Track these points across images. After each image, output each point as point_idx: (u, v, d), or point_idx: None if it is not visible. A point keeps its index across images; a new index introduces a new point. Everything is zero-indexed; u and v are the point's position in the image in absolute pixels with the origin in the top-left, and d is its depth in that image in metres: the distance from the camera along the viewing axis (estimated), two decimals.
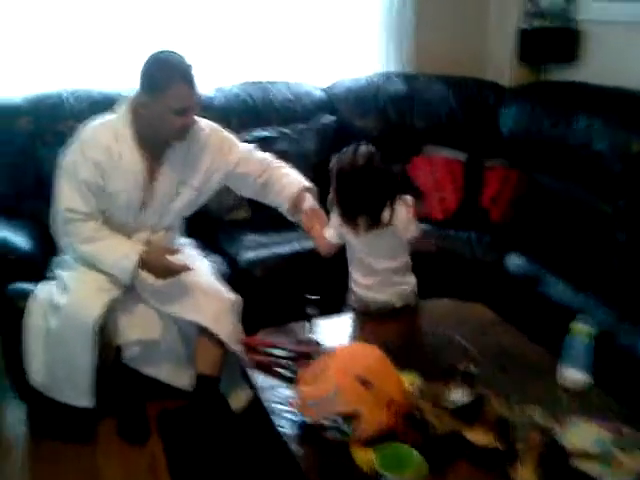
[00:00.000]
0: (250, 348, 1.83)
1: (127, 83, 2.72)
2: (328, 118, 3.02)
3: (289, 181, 2.24)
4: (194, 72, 1.98)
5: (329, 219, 2.06)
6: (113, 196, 2.04)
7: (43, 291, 2.09)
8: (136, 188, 2.06)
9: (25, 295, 2.10)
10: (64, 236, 2.09)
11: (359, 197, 1.92)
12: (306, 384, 1.49)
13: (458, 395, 1.47)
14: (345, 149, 1.99)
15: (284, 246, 2.59)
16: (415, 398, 1.47)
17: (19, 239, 2.29)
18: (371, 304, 2.03)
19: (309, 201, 2.16)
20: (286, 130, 2.88)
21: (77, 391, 2.01)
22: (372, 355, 1.51)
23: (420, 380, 1.57)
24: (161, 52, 1.98)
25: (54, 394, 2.04)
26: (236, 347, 2.04)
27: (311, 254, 2.23)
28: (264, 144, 2.75)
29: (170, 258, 2.03)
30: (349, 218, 1.95)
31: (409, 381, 1.54)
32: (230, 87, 2.99)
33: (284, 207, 2.22)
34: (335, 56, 3.30)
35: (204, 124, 2.17)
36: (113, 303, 2.03)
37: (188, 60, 1.99)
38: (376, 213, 1.91)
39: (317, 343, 1.81)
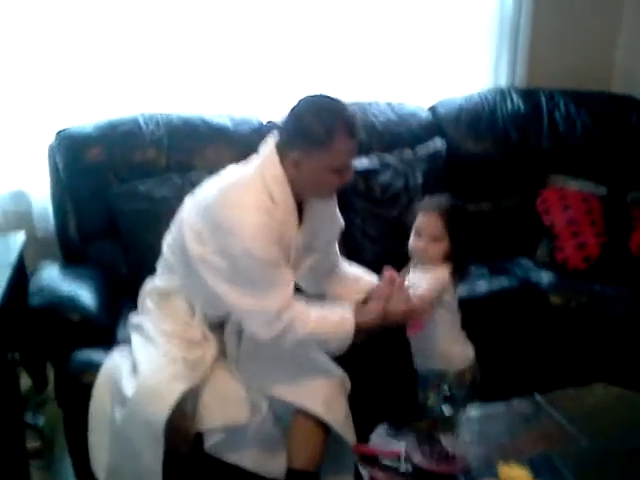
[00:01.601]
0: (366, 458, 1.40)
1: (208, 107, 2.49)
2: (438, 142, 2.56)
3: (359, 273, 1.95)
4: (356, 122, 1.61)
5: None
6: None
7: (111, 367, 1.75)
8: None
9: (92, 369, 1.75)
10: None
11: (472, 241, 1.78)
12: None
13: None
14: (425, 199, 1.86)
15: None
16: None
17: (84, 293, 1.95)
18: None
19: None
20: (390, 158, 2.45)
21: None
22: None
23: None
24: (316, 97, 1.62)
25: None
26: (350, 437, 1.64)
27: None
28: (366, 177, 2.36)
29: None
30: (461, 266, 1.75)
31: None
32: None
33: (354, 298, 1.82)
34: (437, 71, 2.85)
35: None
36: (189, 392, 1.66)
37: (349, 107, 1.61)
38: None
39: (465, 461, 1.34)
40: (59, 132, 2.26)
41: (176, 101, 2.49)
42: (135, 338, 1.78)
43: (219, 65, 2.52)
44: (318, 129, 1.54)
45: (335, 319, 1.65)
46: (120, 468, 1.68)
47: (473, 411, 1.62)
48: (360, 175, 2.37)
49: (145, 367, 1.67)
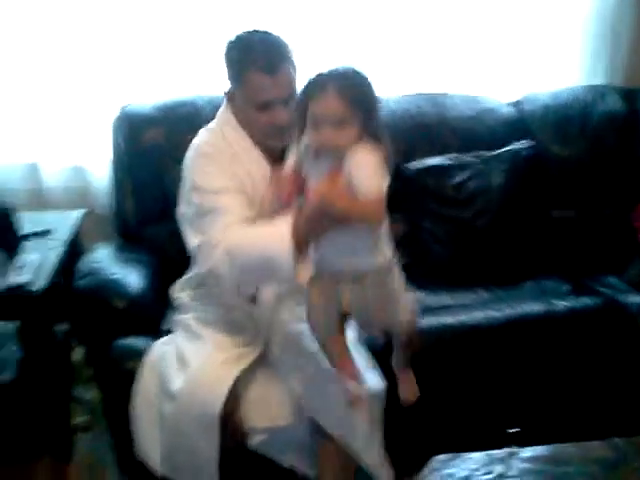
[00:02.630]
0: None
1: None
2: (522, 144, 2.33)
3: None
4: (285, 55, 1.53)
5: None
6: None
7: (157, 359, 1.67)
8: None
9: (135, 355, 1.68)
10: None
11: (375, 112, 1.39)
12: None
13: None
14: None
15: (461, 313, 1.94)
16: None
17: (132, 279, 1.87)
18: None
19: None
20: (467, 158, 2.25)
21: (200, 478, 1.61)
22: None
23: None
24: (248, 32, 1.56)
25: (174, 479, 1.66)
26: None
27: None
28: (438, 175, 2.18)
29: None
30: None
31: None
32: (396, 99, 2.40)
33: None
34: (524, 63, 2.60)
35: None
36: (242, 381, 1.59)
37: (282, 41, 1.54)
38: None
39: None
40: (122, 109, 2.20)
41: None
42: (179, 335, 1.70)
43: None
44: (232, 63, 1.54)
45: (269, 226, 1.43)
46: (174, 459, 1.62)
47: (539, 451, 1.42)
48: (431, 173, 2.21)
49: (193, 360, 1.59)
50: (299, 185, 1.39)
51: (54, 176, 2.40)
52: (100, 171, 2.36)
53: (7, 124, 2.34)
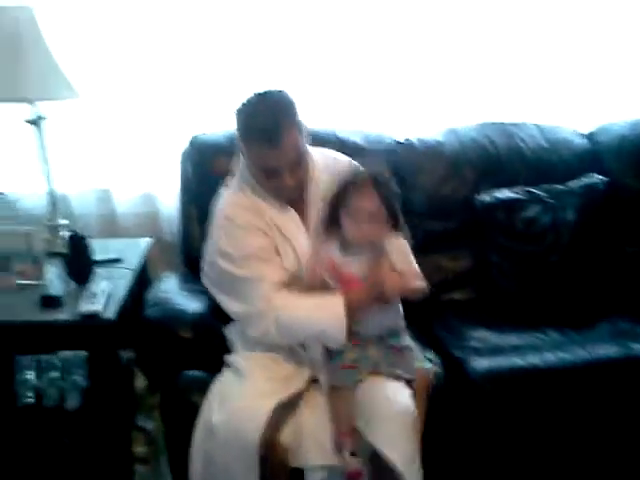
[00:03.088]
0: None
1: (341, 121, 2.34)
2: (596, 177, 2.24)
3: None
4: (289, 122, 1.53)
5: None
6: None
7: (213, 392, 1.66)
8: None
9: (200, 388, 1.67)
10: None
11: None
12: None
13: None
14: None
15: (531, 355, 1.87)
16: None
17: (197, 310, 1.87)
18: None
19: None
20: (538, 192, 2.18)
21: None
22: None
23: None
24: (255, 98, 1.58)
25: None
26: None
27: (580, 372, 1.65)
28: (508, 209, 2.12)
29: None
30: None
31: None
32: (465, 129, 2.36)
33: None
34: (599, 92, 2.51)
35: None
36: (288, 414, 1.58)
37: (286, 105, 1.56)
38: None
39: None
40: (193, 138, 2.23)
41: (307, 113, 2.38)
42: (227, 371, 1.69)
43: (352, 78, 2.39)
44: (238, 130, 1.57)
45: (322, 301, 1.57)
46: None
47: None
48: (501, 206, 2.14)
49: (232, 394, 1.58)
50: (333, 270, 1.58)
51: (125, 203, 2.45)
52: (169, 199, 2.40)
53: (82, 151, 2.40)
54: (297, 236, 1.64)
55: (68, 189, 2.43)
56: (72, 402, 1.96)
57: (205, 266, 1.71)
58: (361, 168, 1.64)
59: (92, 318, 1.74)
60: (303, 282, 1.63)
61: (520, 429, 1.81)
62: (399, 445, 1.49)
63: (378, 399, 1.54)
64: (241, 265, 1.59)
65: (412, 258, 1.57)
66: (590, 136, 2.42)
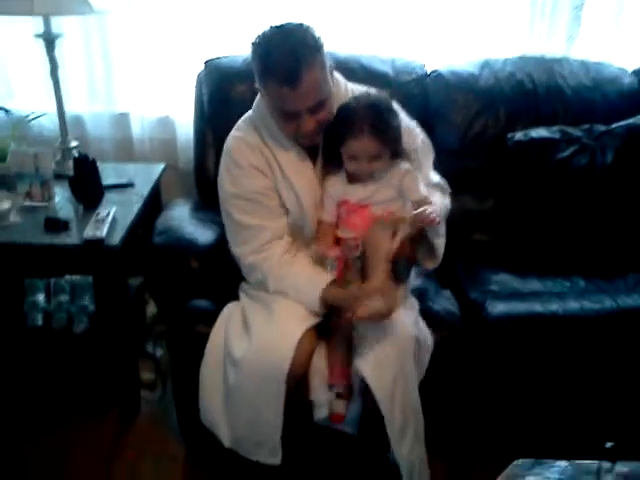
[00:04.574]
0: None
1: (366, 47, 2.20)
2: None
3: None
4: (309, 60, 1.38)
5: None
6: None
7: (224, 322, 1.61)
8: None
9: (207, 318, 1.63)
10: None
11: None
12: None
13: None
14: None
15: (553, 302, 1.77)
16: None
17: (207, 239, 1.80)
18: None
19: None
20: (576, 132, 2.02)
21: (264, 449, 1.55)
22: None
23: None
24: (271, 31, 1.43)
25: (239, 451, 1.60)
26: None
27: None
28: (542, 149, 1.98)
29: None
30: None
31: None
32: (501, 61, 2.18)
33: None
34: None
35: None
36: (309, 345, 1.52)
37: (307, 41, 1.40)
38: None
39: None
40: (207, 62, 2.11)
41: (331, 38, 2.19)
42: (244, 300, 1.64)
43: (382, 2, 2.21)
44: (255, 67, 1.45)
45: (305, 283, 1.53)
46: (237, 430, 1.56)
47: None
48: (534, 146, 2.00)
49: (256, 324, 1.53)
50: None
51: (142, 127, 2.37)
52: (188, 125, 2.28)
53: (99, 71, 2.32)
54: (303, 182, 1.56)
55: (83, 110, 2.36)
56: (80, 326, 1.95)
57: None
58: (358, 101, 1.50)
59: (96, 243, 1.68)
60: (303, 233, 1.59)
61: (535, 376, 1.75)
62: (382, 371, 1.44)
63: (376, 326, 1.47)
64: (242, 209, 1.56)
65: (419, 184, 1.50)
66: (638, 74, 2.22)
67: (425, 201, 1.47)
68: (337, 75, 1.58)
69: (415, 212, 1.43)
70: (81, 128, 2.36)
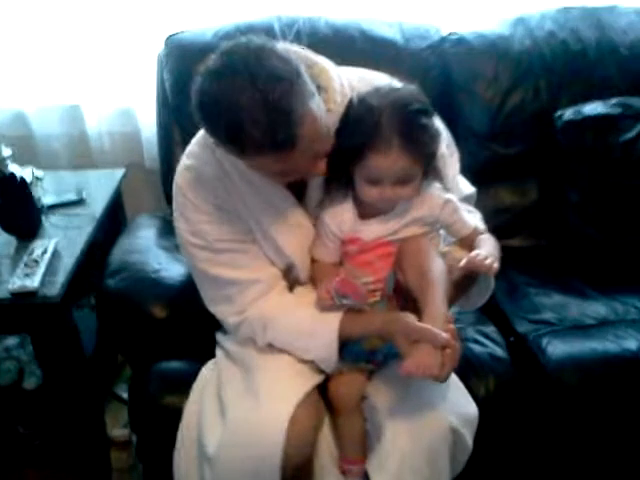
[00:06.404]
0: None
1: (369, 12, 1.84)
2: None
3: None
4: (298, 116, 0.92)
5: None
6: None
7: (200, 392, 1.23)
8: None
9: (178, 388, 1.26)
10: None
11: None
12: None
13: None
14: None
15: (635, 336, 1.38)
16: None
17: (176, 269, 1.41)
18: None
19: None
20: (636, 104, 1.63)
21: None
22: None
23: None
24: (227, 71, 0.94)
25: None
26: None
27: None
28: (600, 129, 1.61)
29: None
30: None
31: None
32: (538, 17, 1.79)
33: None
34: None
35: None
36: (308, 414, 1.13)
37: (285, 82, 0.91)
38: None
39: None
40: (168, 38, 1.73)
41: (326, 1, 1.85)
42: (221, 360, 1.25)
43: None
44: (210, 129, 0.99)
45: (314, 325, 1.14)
46: None
47: None
48: (589, 126, 1.62)
49: (234, 403, 1.13)
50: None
51: (98, 120, 2.02)
52: (150, 115, 1.91)
53: (44, 60, 1.96)
54: (284, 229, 1.15)
55: (26, 106, 2.01)
56: (32, 380, 1.61)
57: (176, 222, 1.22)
58: (383, 98, 1.04)
59: (26, 297, 1.28)
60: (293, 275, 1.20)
61: (612, 440, 1.37)
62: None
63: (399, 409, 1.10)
64: (215, 262, 1.15)
65: (463, 216, 1.15)
66: None
67: (475, 233, 1.13)
68: (322, 64, 1.10)
69: (467, 260, 1.04)
70: (23, 127, 2.01)
